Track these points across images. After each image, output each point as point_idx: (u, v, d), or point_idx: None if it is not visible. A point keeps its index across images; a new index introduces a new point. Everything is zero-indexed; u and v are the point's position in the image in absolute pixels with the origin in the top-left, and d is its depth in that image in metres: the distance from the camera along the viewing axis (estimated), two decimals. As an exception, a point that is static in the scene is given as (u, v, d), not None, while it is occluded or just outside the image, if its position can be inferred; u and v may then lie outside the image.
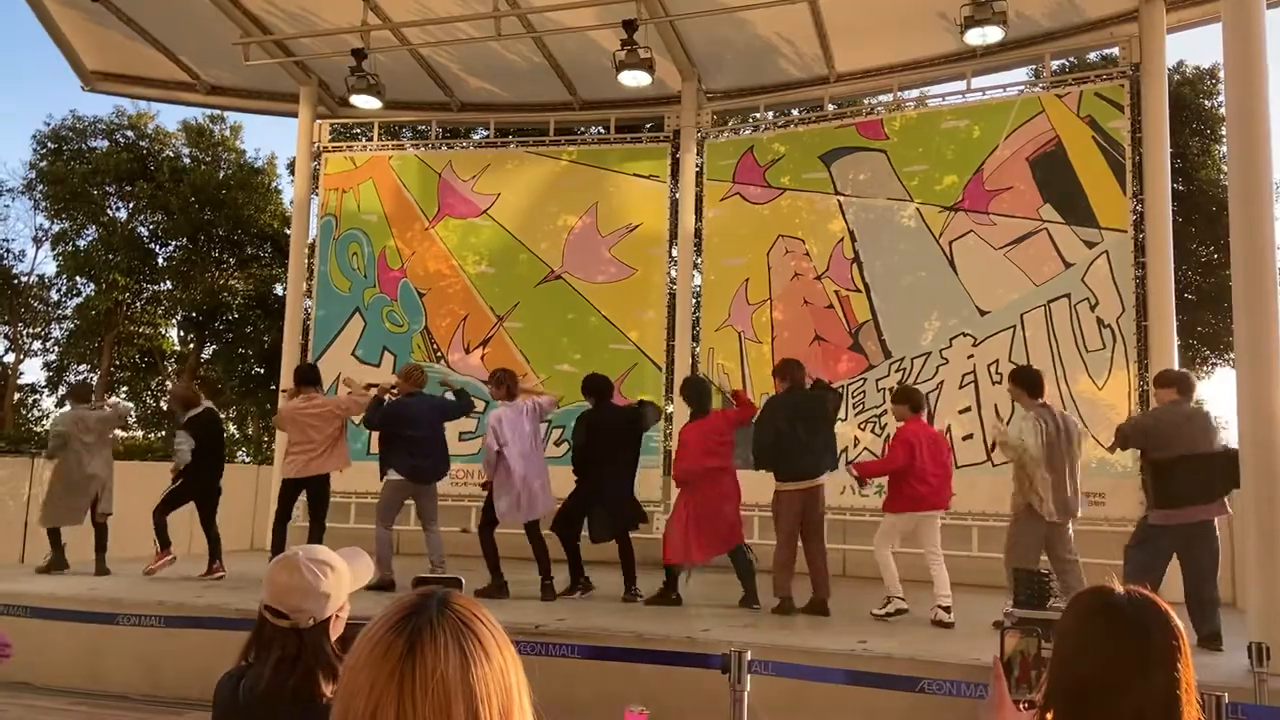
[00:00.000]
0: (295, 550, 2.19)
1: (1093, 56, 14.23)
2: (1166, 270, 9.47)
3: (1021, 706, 1.88)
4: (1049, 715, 1.49)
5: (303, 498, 8.56)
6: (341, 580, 2.19)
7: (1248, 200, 5.94)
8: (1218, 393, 38.30)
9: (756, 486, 8.50)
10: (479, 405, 9.94)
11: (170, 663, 6.58)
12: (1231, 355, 12.90)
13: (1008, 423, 7.65)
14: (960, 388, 10.10)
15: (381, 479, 8.41)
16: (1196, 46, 42.85)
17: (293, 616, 2.11)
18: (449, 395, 8.90)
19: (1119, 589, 1.52)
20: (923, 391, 8.52)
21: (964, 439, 9.87)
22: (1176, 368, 8.57)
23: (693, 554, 7.57)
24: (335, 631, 2.18)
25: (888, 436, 10.07)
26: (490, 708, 1.05)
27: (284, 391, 9.19)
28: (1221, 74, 7.07)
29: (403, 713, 1.02)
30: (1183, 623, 1.51)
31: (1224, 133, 10.41)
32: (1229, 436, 7.19)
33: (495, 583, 7.88)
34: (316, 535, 8.22)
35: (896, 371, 10.41)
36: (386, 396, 8.41)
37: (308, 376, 8.78)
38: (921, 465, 7.09)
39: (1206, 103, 16.85)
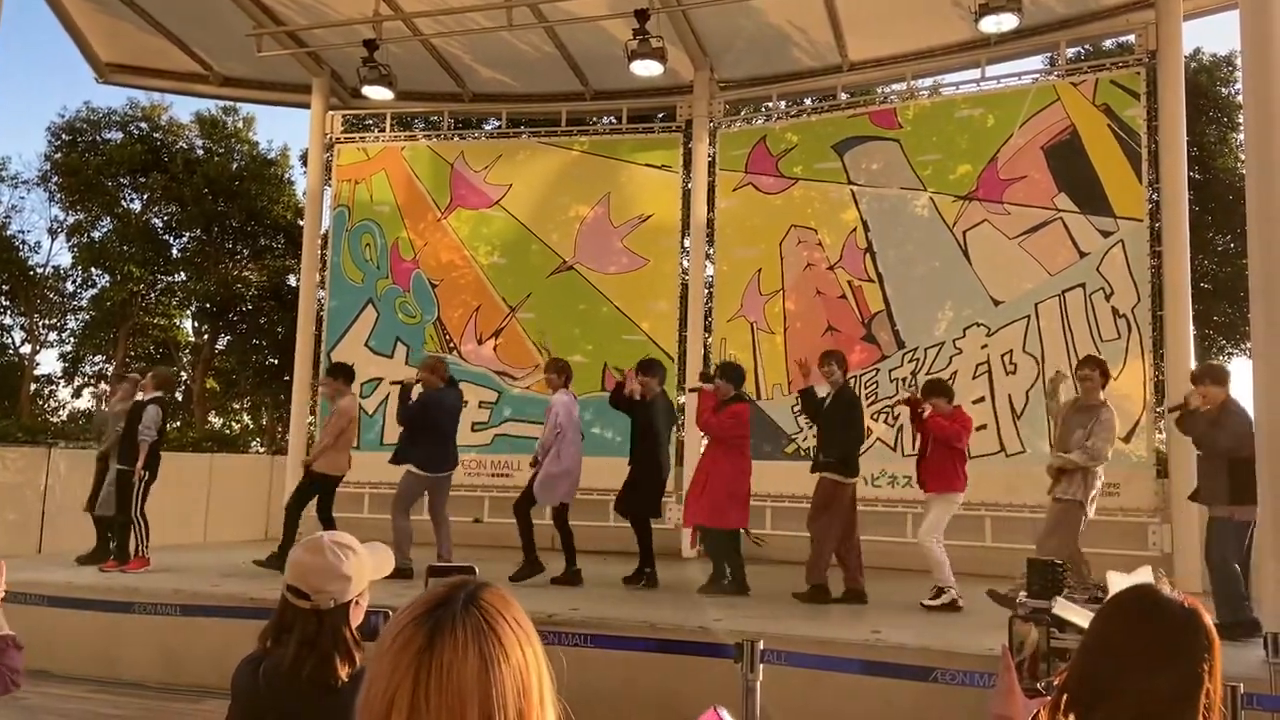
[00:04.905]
0: (320, 533, 2.24)
1: (1108, 44, 14.08)
2: (1183, 259, 9.40)
3: (1042, 688, 1.87)
4: (1064, 699, 1.49)
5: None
6: (363, 565, 2.22)
7: (1265, 189, 5.89)
8: (1234, 383, 37.93)
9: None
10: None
11: (187, 651, 6.63)
12: (1248, 345, 12.82)
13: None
14: (974, 378, 10.06)
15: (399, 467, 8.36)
16: (1213, 33, 42.49)
17: (314, 597, 2.14)
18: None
19: (1167, 591, 1.53)
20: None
21: (978, 429, 9.82)
22: (1192, 360, 8.52)
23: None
24: (355, 618, 2.20)
25: (901, 427, 10.06)
26: (505, 710, 1.04)
27: (327, 382, 9.05)
28: (1239, 61, 7.00)
29: (416, 705, 1.02)
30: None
31: (1241, 121, 10.33)
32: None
33: (531, 559, 7.99)
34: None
35: (909, 362, 10.39)
36: (413, 392, 8.41)
37: (352, 375, 8.84)
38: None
39: (1224, 90, 16.68)
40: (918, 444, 7.66)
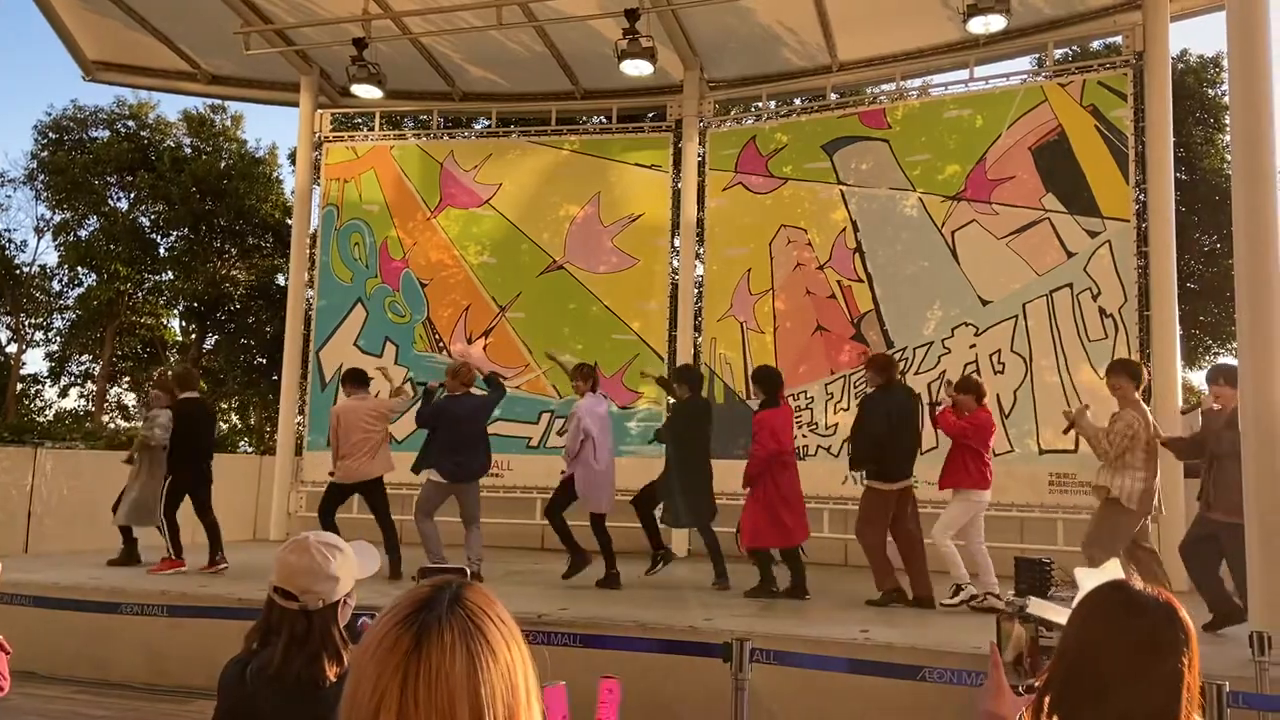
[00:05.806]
0: (306, 534, 2.22)
1: (1096, 45, 14.17)
2: (1169, 259, 9.45)
3: (1022, 690, 1.88)
4: (1046, 699, 1.49)
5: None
6: (350, 565, 2.22)
7: (1251, 189, 5.93)
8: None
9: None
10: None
11: (174, 652, 6.60)
12: (1234, 345, 12.89)
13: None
14: (962, 377, 10.09)
15: (416, 474, 8.25)
16: (1200, 34, 42.78)
17: (302, 598, 2.13)
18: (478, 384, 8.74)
19: (1139, 585, 1.52)
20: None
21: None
22: (1179, 360, 8.57)
23: (799, 534, 7.68)
24: (343, 618, 2.20)
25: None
26: (495, 709, 1.04)
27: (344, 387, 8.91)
28: (1225, 62, 7.04)
29: (405, 708, 1.02)
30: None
31: (1227, 122, 10.38)
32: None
33: (580, 558, 8.01)
34: (391, 540, 8.18)
35: (899, 361, 10.40)
36: (438, 393, 8.31)
37: (360, 379, 8.67)
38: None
39: (1210, 91, 16.78)
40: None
